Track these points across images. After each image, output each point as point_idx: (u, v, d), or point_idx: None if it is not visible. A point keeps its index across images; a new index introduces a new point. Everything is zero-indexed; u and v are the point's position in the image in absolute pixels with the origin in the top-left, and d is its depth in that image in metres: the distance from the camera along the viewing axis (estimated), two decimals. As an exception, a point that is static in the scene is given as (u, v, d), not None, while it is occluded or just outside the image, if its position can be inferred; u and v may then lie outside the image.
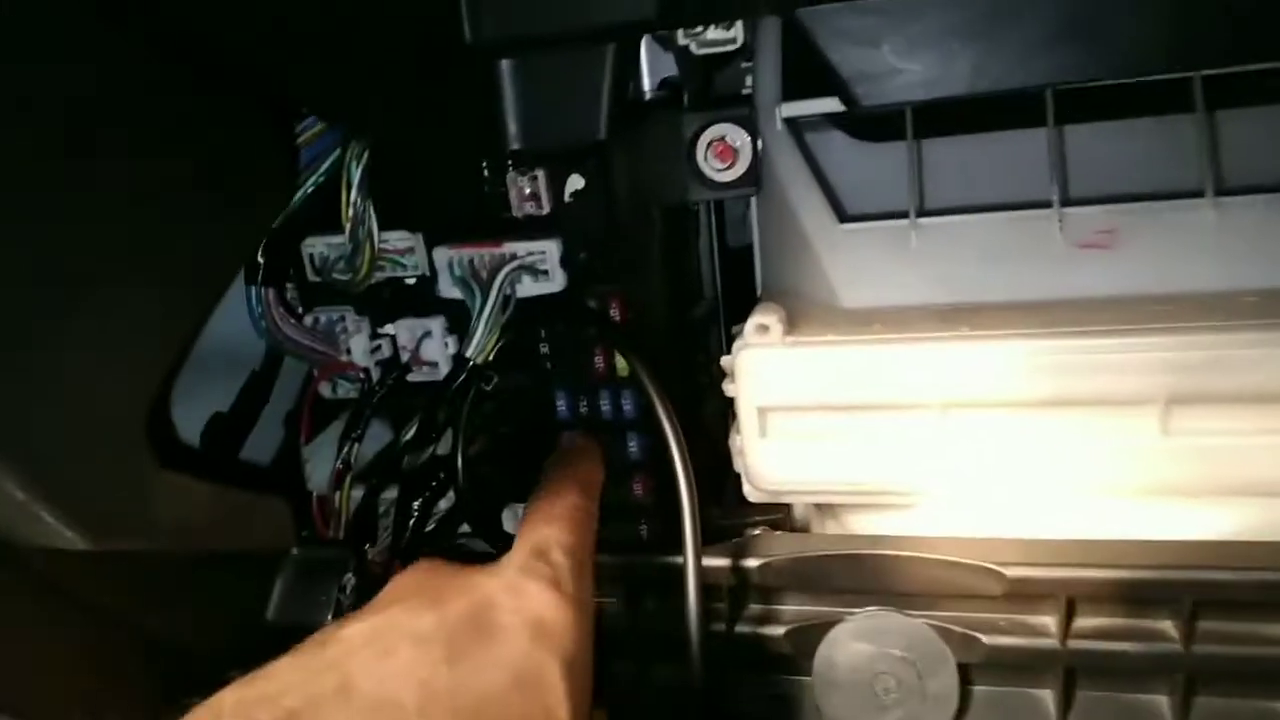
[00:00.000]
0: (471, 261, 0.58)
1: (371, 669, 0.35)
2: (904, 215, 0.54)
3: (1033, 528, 0.51)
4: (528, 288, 0.58)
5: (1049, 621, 0.51)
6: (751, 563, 0.52)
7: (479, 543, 0.60)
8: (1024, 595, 0.50)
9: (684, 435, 0.52)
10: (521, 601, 0.38)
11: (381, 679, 0.34)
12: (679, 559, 0.49)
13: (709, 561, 0.52)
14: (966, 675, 0.53)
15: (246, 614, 0.45)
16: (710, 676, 0.49)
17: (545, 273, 0.58)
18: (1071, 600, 0.49)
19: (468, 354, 0.56)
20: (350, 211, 0.56)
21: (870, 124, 0.56)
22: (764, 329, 0.53)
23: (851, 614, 0.53)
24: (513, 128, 0.50)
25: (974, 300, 0.54)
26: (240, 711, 0.33)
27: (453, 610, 0.37)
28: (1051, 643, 0.50)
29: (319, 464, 0.62)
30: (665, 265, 0.60)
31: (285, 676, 0.34)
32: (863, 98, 0.45)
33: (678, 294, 0.62)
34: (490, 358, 0.57)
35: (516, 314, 0.58)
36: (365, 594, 0.50)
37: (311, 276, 0.62)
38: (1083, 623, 0.50)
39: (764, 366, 0.52)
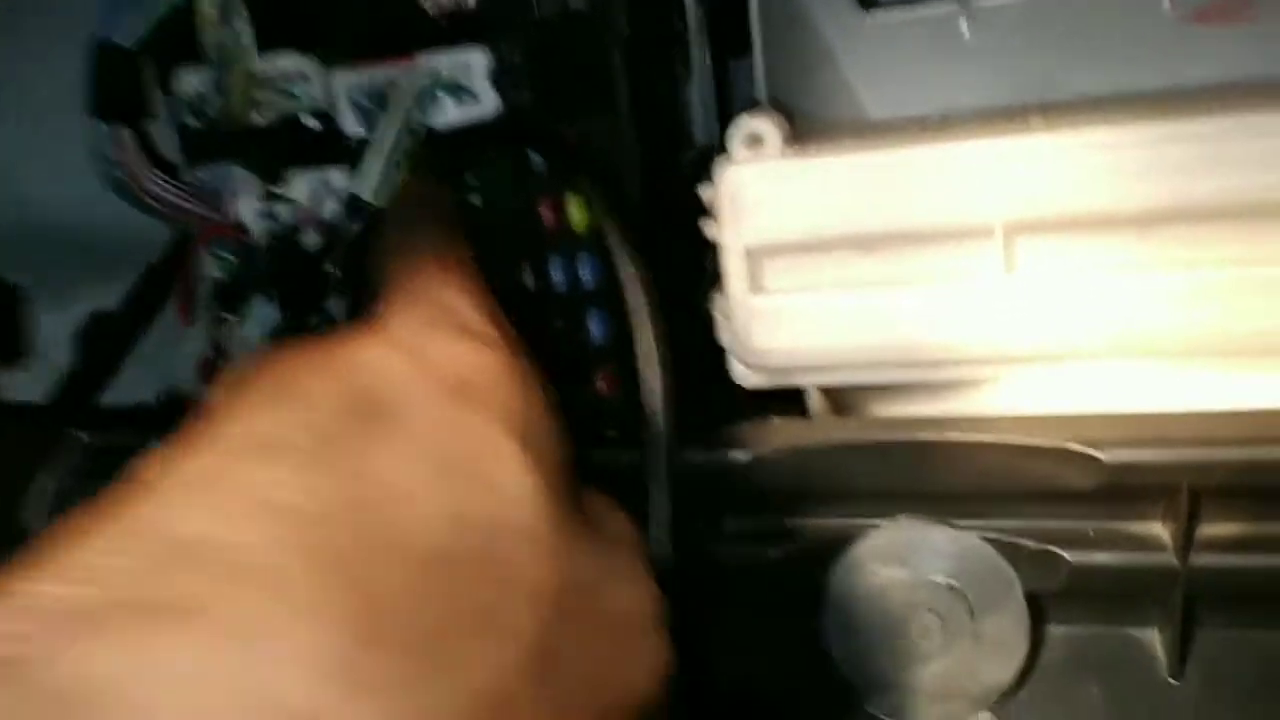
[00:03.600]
0: (379, 84, 0.45)
1: (206, 520, 0.21)
2: (951, -2, 0.40)
3: (1139, 400, 0.36)
4: (449, 114, 0.45)
5: (1160, 530, 0.36)
6: (739, 457, 0.38)
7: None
8: (1126, 490, 0.35)
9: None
10: (423, 363, 0.26)
11: (226, 533, 0.21)
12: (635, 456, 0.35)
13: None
14: (1040, 610, 0.38)
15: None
16: (680, 615, 0.34)
17: (471, 93, 0.44)
18: (1196, 494, 0.34)
19: (362, 194, 0.42)
20: (208, 7, 0.43)
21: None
22: (755, 140, 0.38)
23: (877, 525, 0.38)
24: None
25: (1048, 99, 0.39)
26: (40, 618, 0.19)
27: (317, 397, 0.24)
28: (1165, 559, 0.35)
29: (191, 356, 0.48)
30: (634, 85, 0.45)
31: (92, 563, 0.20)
32: None
33: (656, 132, 0.47)
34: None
35: (433, 149, 0.44)
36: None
37: (186, 119, 0.49)
38: (1212, 529, 0.35)
39: (755, 190, 0.38)
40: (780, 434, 0.39)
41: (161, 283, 0.58)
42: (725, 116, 0.50)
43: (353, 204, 0.42)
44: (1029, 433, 0.36)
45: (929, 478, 0.37)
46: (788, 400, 0.45)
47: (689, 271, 0.47)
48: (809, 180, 0.38)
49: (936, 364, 0.39)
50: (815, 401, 0.45)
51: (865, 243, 0.38)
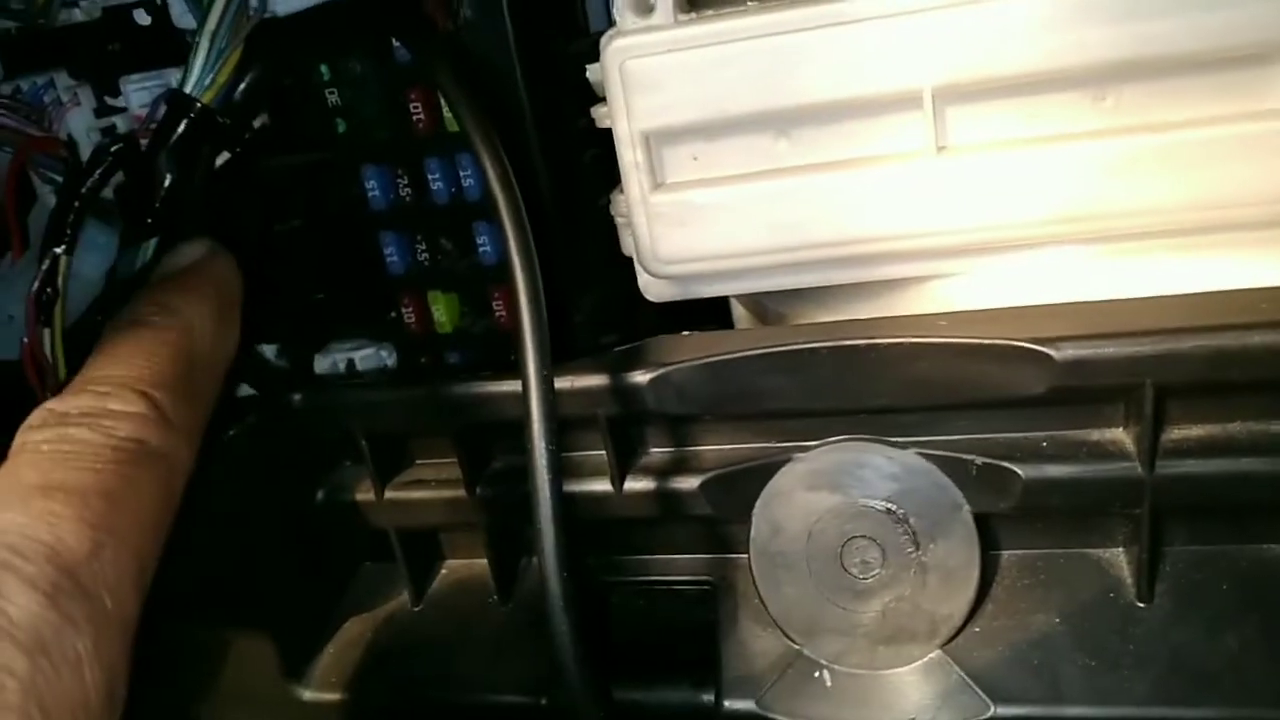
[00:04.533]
0: (209, -36, 0.38)
1: None
2: None
3: (1092, 289, 0.32)
4: (292, -1, 0.38)
5: (1122, 435, 0.31)
6: (640, 377, 0.32)
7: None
8: (1082, 392, 0.30)
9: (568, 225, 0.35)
10: None
11: None
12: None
13: (574, 383, 0.33)
14: (992, 533, 0.34)
15: None
16: (580, 562, 0.29)
17: (315, -30, 0.37)
18: (1161, 393, 0.30)
19: (186, 88, 0.36)
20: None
21: None
22: (645, 5, 0.33)
23: (805, 449, 0.33)
24: None
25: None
26: None
27: None
28: (1129, 468, 0.31)
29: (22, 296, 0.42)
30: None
31: None
32: None
33: (537, 14, 0.41)
34: (236, 99, 0.37)
35: (276, 39, 0.38)
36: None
37: (-4, 19, 0.42)
38: (1180, 432, 0.31)
39: (648, 64, 0.33)
40: (685, 348, 0.33)
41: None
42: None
43: (175, 100, 0.36)
44: (969, 331, 0.31)
45: (859, 389, 0.32)
46: (719, 318, 0.40)
47: (581, 179, 0.41)
48: (708, 48, 0.32)
49: (865, 260, 0.34)
50: (738, 314, 0.40)
51: (777, 121, 0.33)
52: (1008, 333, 0.30)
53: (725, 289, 0.37)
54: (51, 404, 0.27)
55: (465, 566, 0.40)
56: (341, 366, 0.43)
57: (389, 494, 0.37)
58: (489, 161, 0.33)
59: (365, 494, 0.37)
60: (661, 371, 0.33)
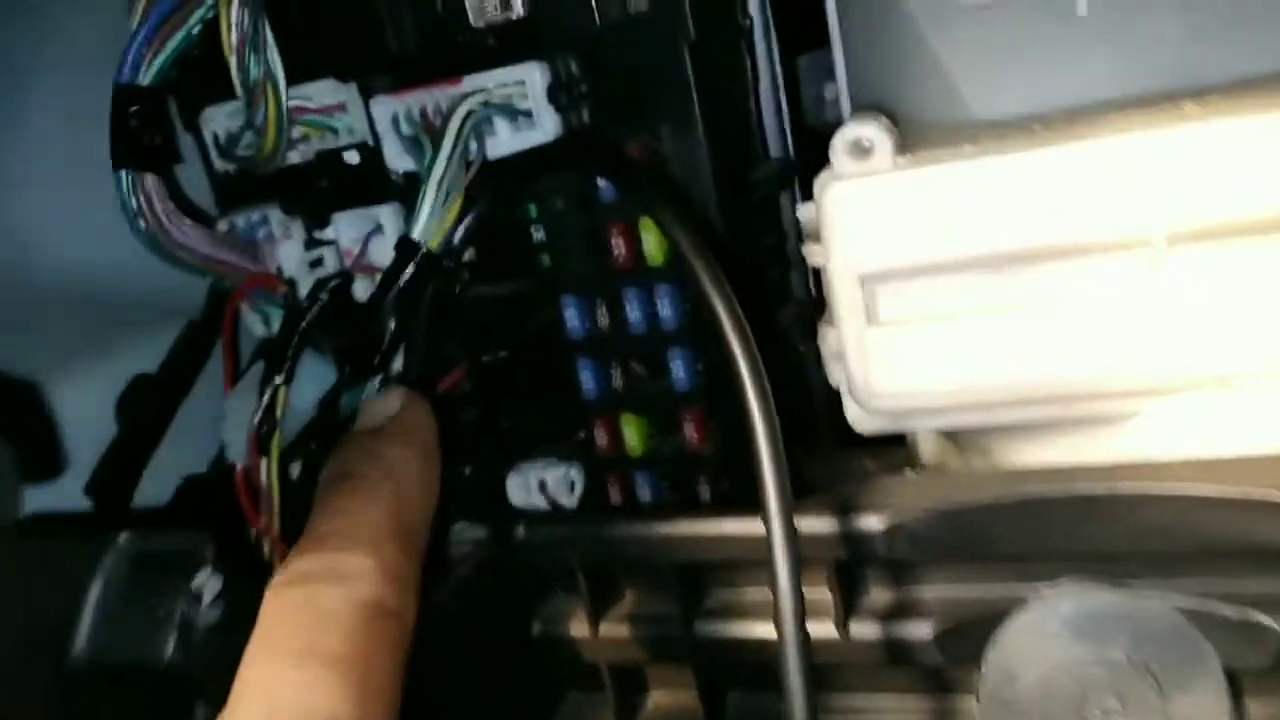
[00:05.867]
0: (424, 111, 0.40)
1: None
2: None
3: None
4: (505, 140, 0.40)
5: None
6: (873, 524, 0.32)
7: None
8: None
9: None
10: None
11: None
12: (753, 525, 0.29)
13: (803, 525, 0.33)
14: (1239, 688, 0.32)
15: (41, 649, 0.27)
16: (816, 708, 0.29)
17: (527, 114, 0.39)
18: None
19: (414, 234, 0.37)
20: (233, 35, 0.38)
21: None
22: (862, 149, 0.33)
23: (1038, 593, 0.32)
24: None
25: (1203, 84, 0.33)
26: None
27: None
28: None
29: (239, 424, 0.43)
30: (705, 95, 0.40)
31: None
32: None
33: (727, 145, 0.42)
34: (456, 241, 0.38)
35: (489, 179, 0.39)
36: (240, 601, 0.32)
37: (218, 163, 0.45)
38: None
39: (866, 208, 0.33)
40: (918, 493, 0.33)
41: (202, 342, 0.54)
42: (796, 126, 0.45)
43: (404, 246, 0.38)
44: (1212, 479, 0.30)
45: (1097, 536, 0.31)
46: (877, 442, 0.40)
47: (766, 301, 0.41)
48: (928, 193, 0.33)
49: (1086, 398, 0.33)
50: (928, 447, 0.39)
51: (996, 262, 0.33)
52: (1254, 482, 0.30)
53: (938, 423, 0.36)
54: (294, 563, 0.28)
55: (670, 698, 0.40)
56: (534, 484, 0.43)
57: (603, 629, 0.38)
58: (715, 294, 0.34)
59: (580, 627, 0.38)
60: (898, 520, 0.32)
